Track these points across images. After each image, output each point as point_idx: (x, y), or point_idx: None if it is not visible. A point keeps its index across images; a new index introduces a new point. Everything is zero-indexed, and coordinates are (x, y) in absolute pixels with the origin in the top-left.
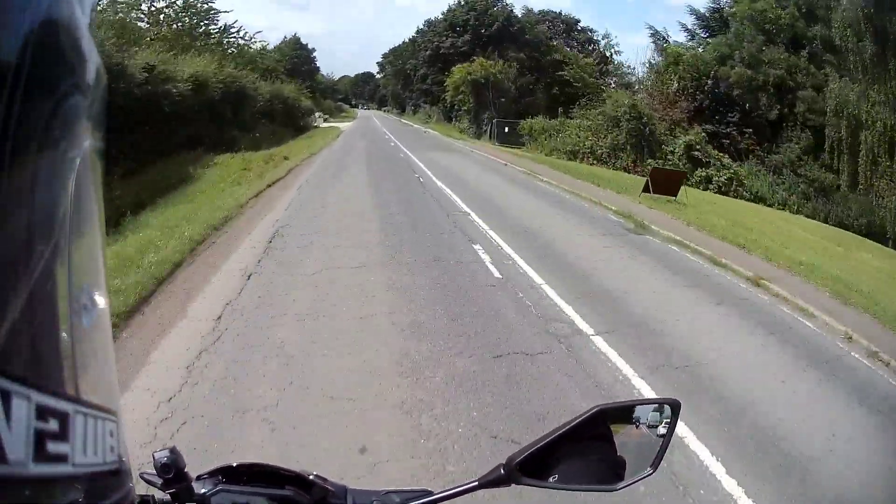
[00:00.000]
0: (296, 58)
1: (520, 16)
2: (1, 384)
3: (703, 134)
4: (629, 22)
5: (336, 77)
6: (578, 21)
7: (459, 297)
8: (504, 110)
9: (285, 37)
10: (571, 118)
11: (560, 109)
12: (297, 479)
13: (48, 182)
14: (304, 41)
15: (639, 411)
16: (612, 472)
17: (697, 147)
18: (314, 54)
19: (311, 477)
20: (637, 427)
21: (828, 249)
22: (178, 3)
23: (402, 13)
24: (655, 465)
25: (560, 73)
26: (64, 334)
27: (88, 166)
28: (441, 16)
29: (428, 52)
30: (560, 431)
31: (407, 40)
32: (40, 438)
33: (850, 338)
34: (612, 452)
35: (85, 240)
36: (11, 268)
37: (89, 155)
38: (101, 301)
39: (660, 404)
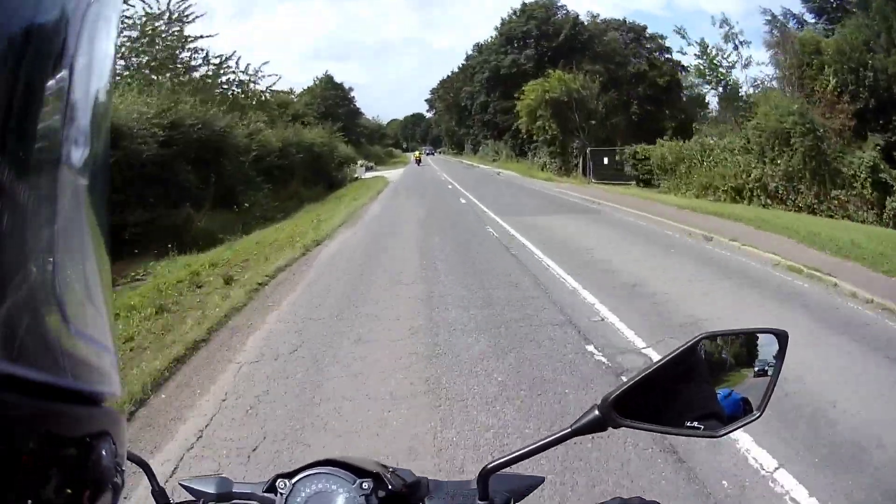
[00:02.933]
0: (330, 99)
1: (586, 23)
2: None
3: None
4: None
5: (384, 122)
6: (645, 27)
7: None
8: (593, 137)
9: (315, 78)
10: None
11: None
12: (375, 475)
13: (49, 181)
14: (338, 80)
15: (743, 342)
16: (713, 413)
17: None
18: (352, 93)
19: (388, 474)
20: (741, 361)
21: None
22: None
23: (442, 56)
24: (762, 406)
25: (640, 87)
26: (62, 326)
27: (90, 169)
28: (495, 32)
29: (486, 75)
30: (657, 364)
31: (457, 69)
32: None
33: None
34: (708, 393)
35: (87, 249)
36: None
37: (91, 156)
38: (101, 293)
39: (765, 334)
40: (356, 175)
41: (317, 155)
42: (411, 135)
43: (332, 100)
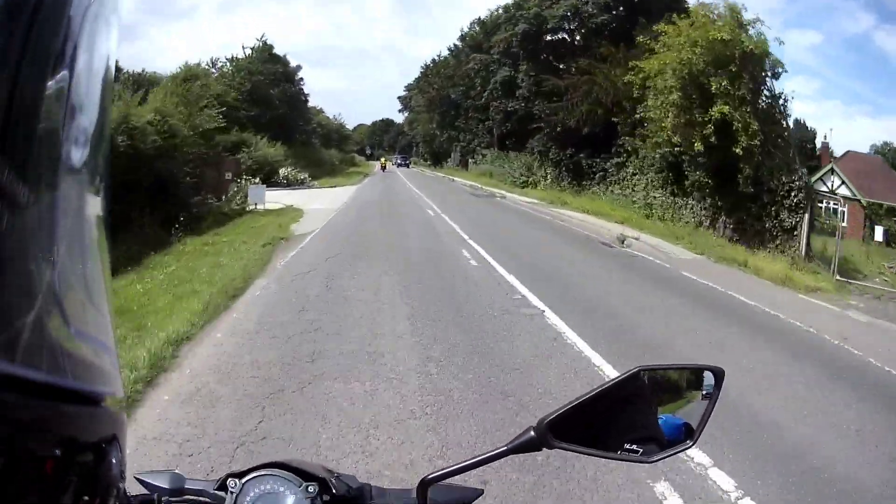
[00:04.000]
0: (264, 76)
1: None
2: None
3: None
4: None
5: (349, 125)
6: None
7: None
8: None
9: (243, 47)
10: None
11: None
12: (321, 479)
13: (50, 180)
14: (280, 52)
15: (680, 376)
16: (648, 440)
17: None
18: (300, 75)
19: (333, 478)
20: (677, 393)
21: None
22: None
23: (418, 63)
24: (695, 436)
25: None
26: (62, 326)
27: (88, 167)
28: None
29: (518, 30)
30: (596, 391)
31: (447, 53)
32: None
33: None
34: (650, 419)
35: (87, 250)
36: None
37: (92, 156)
38: (102, 293)
39: (702, 370)
40: (250, 203)
41: (146, 156)
42: (378, 142)
43: (267, 77)
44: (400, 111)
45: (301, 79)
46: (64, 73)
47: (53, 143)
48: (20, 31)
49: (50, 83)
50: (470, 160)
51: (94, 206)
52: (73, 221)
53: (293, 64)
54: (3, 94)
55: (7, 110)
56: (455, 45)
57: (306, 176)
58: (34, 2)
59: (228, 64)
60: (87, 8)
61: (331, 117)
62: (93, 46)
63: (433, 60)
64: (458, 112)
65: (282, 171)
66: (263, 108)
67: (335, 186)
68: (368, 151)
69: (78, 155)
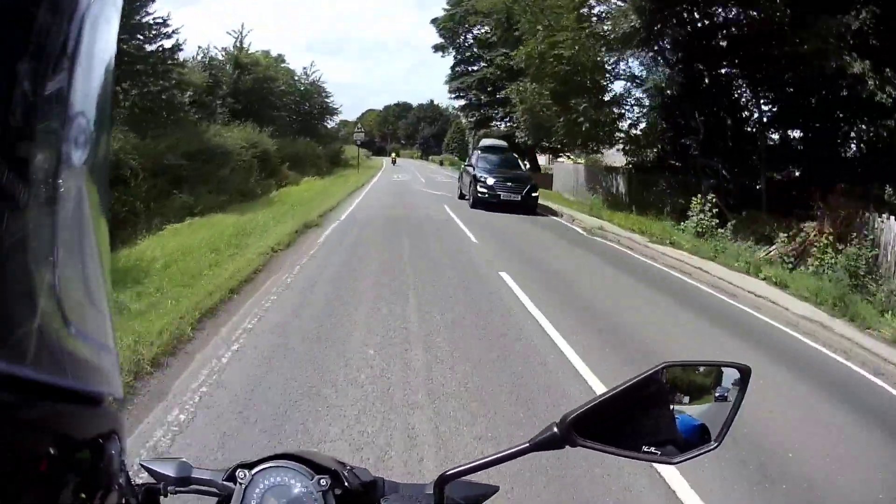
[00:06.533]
0: None
1: None
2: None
3: None
4: None
5: (351, 115)
6: None
7: None
8: None
9: None
10: None
11: None
12: (333, 472)
13: (45, 178)
14: None
15: (705, 373)
16: (671, 439)
17: None
18: None
19: (345, 471)
20: (702, 392)
21: None
22: None
23: (436, 64)
24: (720, 437)
25: None
26: (62, 326)
27: (85, 162)
28: None
29: None
30: (619, 388)
31: None
32: None
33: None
34: (668, 419)
35: (87, 250)
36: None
37: (92, 156)
38: (102, 293)
39: (728, 368)
40: None
41: None
42: (392, 133)
43: None
44: (438, 51)
45: None
46: (64, 73)
47: (53, 143)
48: (20, 31)
49: (50, 83)
50: None
51: (95, 206)
52: (73, 221)
53: None
54: (3, 94)
55: (7, 110)
56: None
57: None
58: (34, 1)
59: None
60: (87, 8)
61: (295, 70)
62: (93, 46)
63: None
64: None
65: None
66: None
67: None
68: (359, 142)
69: (78, 155)
